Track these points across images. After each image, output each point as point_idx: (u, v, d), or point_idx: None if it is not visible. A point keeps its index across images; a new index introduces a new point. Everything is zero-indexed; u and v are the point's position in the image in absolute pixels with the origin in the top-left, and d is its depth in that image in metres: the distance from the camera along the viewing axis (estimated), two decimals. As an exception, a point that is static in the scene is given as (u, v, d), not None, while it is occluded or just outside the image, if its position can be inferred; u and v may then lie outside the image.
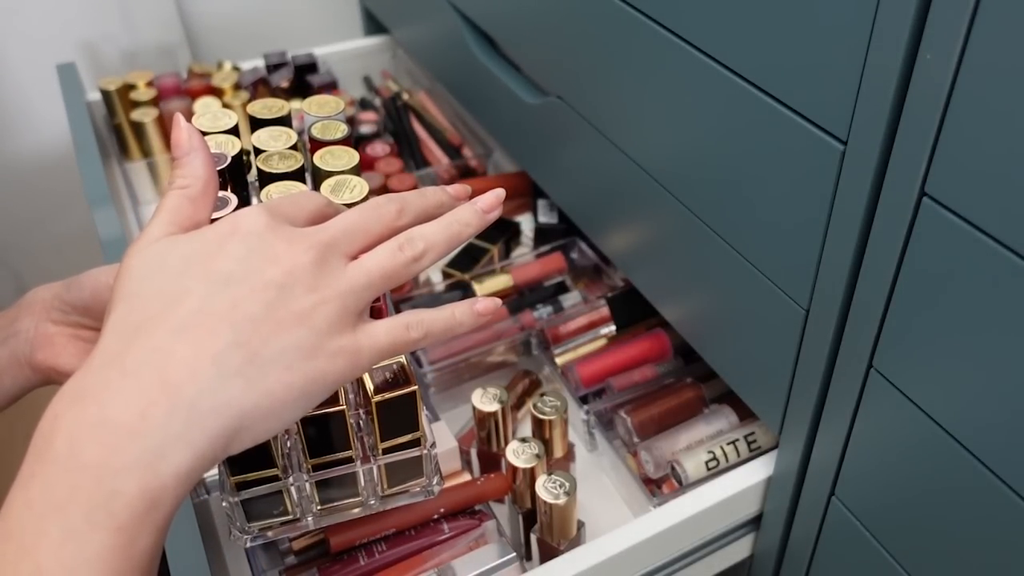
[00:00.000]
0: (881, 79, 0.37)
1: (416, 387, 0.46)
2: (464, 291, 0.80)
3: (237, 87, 1.00)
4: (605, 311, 0.76)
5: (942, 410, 0.41)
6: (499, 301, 0.42)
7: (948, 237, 0.37)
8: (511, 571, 0.55)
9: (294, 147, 0.51)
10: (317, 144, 0.51)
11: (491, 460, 0.65)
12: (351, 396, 0.50)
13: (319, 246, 0.37)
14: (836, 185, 0.42)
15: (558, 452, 0.65)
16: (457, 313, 0.41)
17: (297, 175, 0.49)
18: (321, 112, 0.53)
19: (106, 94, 0.96)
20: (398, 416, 0.47)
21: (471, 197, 0.44)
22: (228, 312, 0.34)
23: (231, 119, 0.51)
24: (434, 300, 0.79)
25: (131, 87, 0.98)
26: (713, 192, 0.52)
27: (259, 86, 1.01)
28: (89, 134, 0.88)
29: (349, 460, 0.48)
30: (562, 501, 0.56)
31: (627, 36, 0.55)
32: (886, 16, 0.36)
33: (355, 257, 0.38)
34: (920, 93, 0.36)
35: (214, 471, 0.61)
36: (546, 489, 0.56)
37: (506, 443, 0.62)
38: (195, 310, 0.34)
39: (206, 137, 0.50)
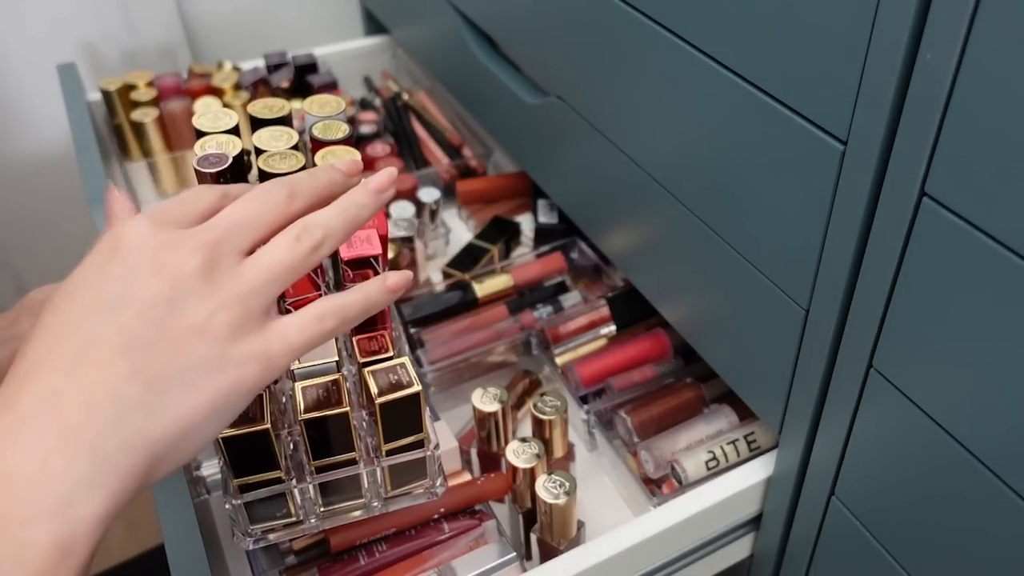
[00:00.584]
0: (881, 79, 0.37)
1: (420, 388, 0.46)
2: (464, 291, 0.80)
3: (237, 87, 1.00)
4: (605, 311, 0.76)
5: (942, 410, 0.41)
6: (410, 275, 0.40)
7: (948, 237, 0.37)
8: (511, 571, 0.55)
9: (295, 147, 0.51)
10: (318, 144, 0.51)
11: (491, 460, 0.65)
12: (354, 398, 0.50)
13: (206, 247, 0.34)
14: (836, 185, 0.42)
15: (558, 452, 0.65)
16: (372, 293, 0.39)
17: None
18: (322, 112, 0.53)
19: (106, 94, 0.96)
20: (402, 417, 0.47)
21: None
22: (118, 340, 0.32)
23: (232, 119, 0.51)
24: (434, 300, 0.79)
25: (131, 87, 0.98)
26: (713, 192, 0.52)
27: (259, 86, 1.01)
28: (89, 134, 0.88)
29: (353, 462, 0.48)
30: (562, 501, 0.56)
31: (627, 36, 0.55)
32: (886, 16, 0.36)
33: (251, 252, 0.36)
34: (920, 93, 0.36)
35: (215, 470, 0.61)
36: (546, 489, 0.56)
37: (506, 443, 0.62)
38: (84, 344, 0.32)
39: (207, 137, 0.50)
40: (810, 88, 0.42)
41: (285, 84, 1.02)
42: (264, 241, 0.37)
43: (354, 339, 0.49)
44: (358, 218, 0.39)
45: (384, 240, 0.48)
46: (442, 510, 0.57)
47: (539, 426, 0.63)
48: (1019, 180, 0.33)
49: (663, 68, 0.53)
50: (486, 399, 0.63)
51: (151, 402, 0.32)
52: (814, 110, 0.42)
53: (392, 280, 0.39)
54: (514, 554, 0.55)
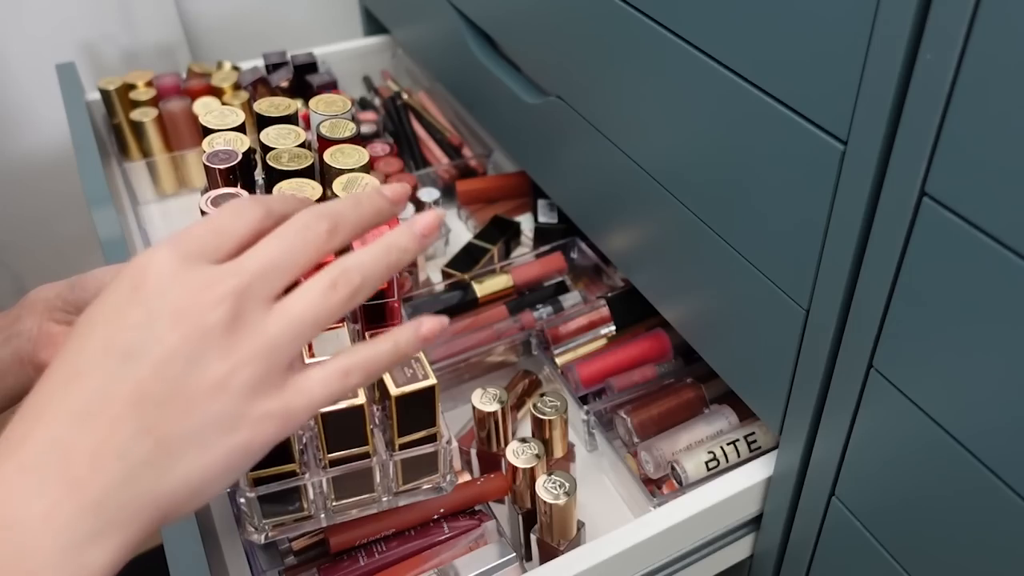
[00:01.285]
0: (881, 79, 0.37)
1: (435, 382, 0.46)
2: (464, 291, 0.80)
3: (237, 87, 1.00)
4: (605, 311, 0.76)
5: (942, 410, 0.41)
6: (446, 320, 0.37)
7: (948, 237, 0.37)
8: (511, 571, 0.55)
9: (302, 145, 0.51)
10: (326, 142, 0.51)
11: (491, 460, 0.65)
12: (367, 392, 0.50)
13: (233, 296, 0.32)
14: (836, 185, 0.42)
15: (558, 452, 0.65)
16: (401, 343, 0.35)
17: (307, 173, 0.50)
18: (329, 111, 0.53)
19: (106, 94, 0.96)
20: (417, 411, 0.47)
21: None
22: (130, 395, 0.31)
23: (238, 116, 0.52)
24: (434, 300, 0.79)
25: (131, 87, 0.98)
26: (713, 192, 0.52)
27: (259, 86, 1.01)
28: (89, 134, 0.88)
29: (366, 456, 0.48)
30: (562, 501, 0.56)
31: (627, 36, 0.55)
32: (886, 16, 0.36)
33: (281, 295, 0.33)
34: (920, 93, 0.36)
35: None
36: (546, 489, 0.56)
37: (506, 443, 0.62)
38: (94, 394, 0.31)
39: (214, 134, 0.51)
40: (810, 88, 0.42)
41: (284, 84, 1.02)
42: (296, 282, 0.34)
43: (367, 334, 0.49)
44: (399, 264, 0.36)
45: None
46: (442, 510, 0.57)
47: (539, 426, 0.63)
48: (1019, 180, 0.33)
49: (663, 68, 0.53)
50: (486, 399, 0.63)
51: (160, 462, 0.31)
52: (814, 110, 0.42)
53: (426, 328, 0.36)
54: (514, 555, 0.55)
